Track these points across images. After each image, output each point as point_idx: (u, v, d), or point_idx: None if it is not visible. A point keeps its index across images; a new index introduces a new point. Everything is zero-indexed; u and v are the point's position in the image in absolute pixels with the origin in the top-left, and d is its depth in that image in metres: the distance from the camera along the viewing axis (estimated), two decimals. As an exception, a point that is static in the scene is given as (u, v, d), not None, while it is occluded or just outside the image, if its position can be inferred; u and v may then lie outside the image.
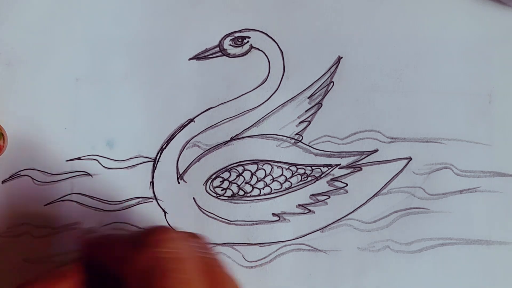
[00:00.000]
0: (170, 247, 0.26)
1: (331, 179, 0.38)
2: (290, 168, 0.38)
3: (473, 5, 0.38)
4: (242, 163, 0.37)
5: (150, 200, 0.37)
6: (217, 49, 0.38)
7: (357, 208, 0.38)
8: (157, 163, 0.37)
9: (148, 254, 0.25)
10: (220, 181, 0.37)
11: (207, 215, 0.37)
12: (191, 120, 0.37)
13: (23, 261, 0.36)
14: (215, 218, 0.37)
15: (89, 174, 0.37)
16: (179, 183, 0.37)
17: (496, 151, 0.38)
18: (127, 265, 0.26)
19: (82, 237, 0.31)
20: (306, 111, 0.38)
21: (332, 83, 0.38)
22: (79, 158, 0.37)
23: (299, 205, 0.38)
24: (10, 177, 0.37)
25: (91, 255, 0.29)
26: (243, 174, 0.37)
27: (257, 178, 0.37)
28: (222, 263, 0.29)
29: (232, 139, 0.38)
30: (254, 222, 0.38)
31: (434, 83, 0.38)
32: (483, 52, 0.38)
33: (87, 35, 0.37)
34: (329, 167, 0.38)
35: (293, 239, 0.38)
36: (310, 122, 0.38)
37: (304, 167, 0.38)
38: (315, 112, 0.38)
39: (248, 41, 0.38)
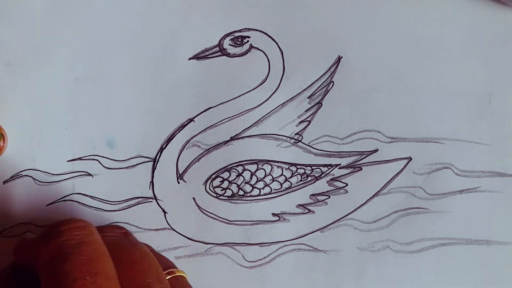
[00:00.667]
0: (68, 235, 0.27)
1: (331, 179, 0.38)
2: (290, 168, 0.38)
3: (473, 5, 0.38)
4: (242, 163, 0.37)
5: (150, 200, 0.37)
6: (217, 48, 0.37)
7: (357, 208, 0.38)
8: (157, 163, 0.37)
9: (51, 245, 0.27)
10: (220, 181, 0.37)
11: (207, 215, 0.37)
12: (191, 120, 0.37)
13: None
14: (215, 218, 0.37)
15: (89, 174, 0.37)
16: (179, 183, 0.37)
17: (496, 151, 0.38)
18: (38, 260, 0.27)
19: (13, 247, 0.32)
20: (306, 111, 0.38)
21: (332, 83, 0.38)
22: (79, 158, 0.37)
23: (299, 205, 0.38)
24: (11, 177, 0.37)
25: (18, 260, 0.31)
26: (243, 174, 0.37)
27: (257, 178, 0.37)
28: (140, 246, 0.31)
29: (232, 139, 0.38)
30: (254, 222, 0.38)
31: (434, 83, 0.38)
32: (483, 52, 0.38)
33: (87, 35, 0.37)
34: (329, 167, 0.38)
35: (293, 239, 0.38)
36: (310, 122, 0.38)
37: (304, 167, 0.38)
38: (315, 112, 0.38)
39: (248, 41, 0.38)
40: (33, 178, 0.37)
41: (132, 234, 0.33)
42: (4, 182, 0.37)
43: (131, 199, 0.37)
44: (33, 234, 0.36)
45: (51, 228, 0.28)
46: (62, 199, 0.37)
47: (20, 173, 0.37)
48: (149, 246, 0.34)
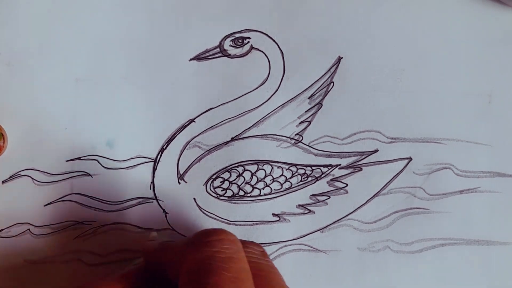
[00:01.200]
0: (219, 247, 0.27)
1: (331, 179, 0.38)
2: (290, 168, 0.37)
3: (473, 5, 0.38)
4: (242, 163, 0.37)
5: (151, 200, 0.37)
6: (218, 49, 0.37)
7: (357, 208, 0.38)
8: (157, 164, 0.37)
9: (199, 254, 0.26)
10: (221, 182, 0.37)
11: (207, 215, 0.37)
12: (192, 120, 0.37)
13: (23, 261, 0.36)
14: (215, 219, 0.37)
15: (89, 174, 0.37)
16: (179, 183, 0.37)
17: (496, 152, 0.38)
18: (181, 265, 0.27)
19: (143, 244, 0.32)
20: (306, 111, 0.38)
21: (332, 84, 0.38)
22: (79, 158, 0.37)
23: (299, 205, 0.38)
24: (10, 177, 0.36)
25: (151, 261, 0.31)
26: (243, 175, 0.37)
27: (257, 179, 0.37)
28: (276, 270, 0.30)
29: (232, 139, 0.37)
30: (254, 222, 0.37)
31: (434, 83, 0.38)
32: (483, 52, 0.38)
33: (87, 35, 0.37)
34: (329, 167, 0.38)
35: (293, 239, 0.38)
36: (310, 122, 0.38)
37: (304, 168, 0.38)
38: (315, 112, 0.38)
39: (248, 42, 0.37)
40: (32, 178, 0.36)
41: (268, 255, 0.32)
42: (3, 182, 0.36)
43: (132, 199, 0.37)
44: (158, 234, 0.36)
45: (202, 236, 0.28)
46: (60, 199, 0.37)
47: (19, 173, 0.36)
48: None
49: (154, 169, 0.37)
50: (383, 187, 0.38)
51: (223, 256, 0.26)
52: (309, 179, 0.38)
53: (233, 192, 0.37)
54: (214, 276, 0.25)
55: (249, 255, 0.29)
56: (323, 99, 0.38)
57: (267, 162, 0.37)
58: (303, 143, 0.38)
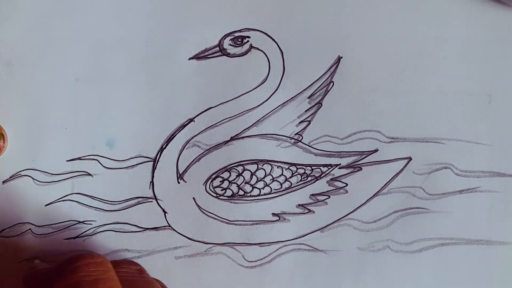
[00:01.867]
0: (86, 271, 0.27)
1: (331, 179, 0.37)
2: (290, 168, 0.37)
3: (473, 5, 0.38)
4: (242, 163, 0.37)
5: (150, 200, 0.37)
6: (217, 48, 0.37)
7: (357, 208, 0.38)
8: (157, 163, 0.37)
9: (67, 281, 0.27)
10: (220, 181, 0.37)
11: (207, 215, 0.37)
12: (191, 120, 0.37)
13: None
14: (215, 218, 0.37)
15: (89, 174, 0.37)
16: (179, 183, 0.37)
17: (496, 151, 0.38)
18: None
19: (24, 273, 0.32)
20: (306, 111, 0.38)
21: (332, 83, 0.38)
22: (79, 158, 0.37)
23: (299, 205, 0.37)
24: (10, 177, 0.36)
25: None
26: (243, 174, 0.37)
27: (257, 178, 0.37)
28: (154, 284, 0.31)
29: (232, 139, 0.37)
30: (254, 222, 0.37)
31: (434, 83, 0.38)
32: (483, 52, 0.38)
33: (87, 35, 0.37)
34: (329, 167, 0.37)
35: (293, 239, 0.37)
36: (310, 122, 0.38)
37: (304, 167, 0.37)
38: (315, 112, 0.38)
39: (248, 41, 0.37)
40: (32, 178, 0.36)
41: (146, 271, 0.33)
42: (3, 182, 0.36)
43: (131, 199, 0.37)
44: (41, 261, 0.36)
45: (67, 262, 0.28)
46: (61, 199, 0.36)
47: (19, 173, 0.36)
48: (161, 282, 0.33)
49: (154, 168, 0.37)
50: (383, 187, 0.38)
51: (90, 279, 0.27)
52: (309, 178, 0.37)
53: (232, 192, 0.37)
54: None
55: (123, 274, 0.30)
56: (323, 98, 0.38)
57: (267, 161, 0.37)
58: (303, 143, 0.37)
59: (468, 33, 0.38)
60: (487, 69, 0.38)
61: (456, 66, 0.38)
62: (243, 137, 0.37)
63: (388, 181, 0.38)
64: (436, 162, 0.38)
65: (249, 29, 0.37)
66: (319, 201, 0.37)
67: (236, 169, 0.37)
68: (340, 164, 0.38)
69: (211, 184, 0.37)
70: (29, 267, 0.33)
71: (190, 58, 0.37)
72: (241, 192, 0.37)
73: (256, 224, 0.37)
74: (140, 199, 0.37)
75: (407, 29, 0.38)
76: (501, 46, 0.38)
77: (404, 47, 0.38)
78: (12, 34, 0.37)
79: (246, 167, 0.37)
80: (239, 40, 0.37)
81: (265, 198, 0.37)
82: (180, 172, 0.37)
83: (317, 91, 0.37)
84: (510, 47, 0.38)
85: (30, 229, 0.36)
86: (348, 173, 0.38)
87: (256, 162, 0.37)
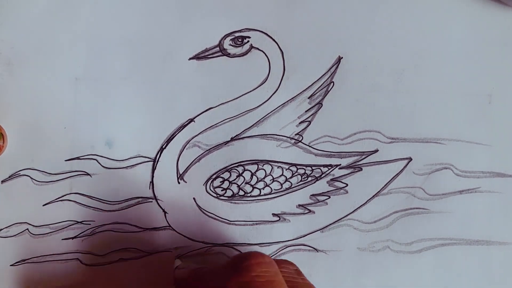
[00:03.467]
0: (258, 271, 0.27)
1: (331, 179, 0.37)
2: (290, 168, 0.36)
3: (473, 5, 0.37)
4: (242, 163, 0.36)
5: (150, 200, 0.36)
6: (217, 49, 0.36)
7: (357, 208, 0.37)
8: (157, 163, 0.36)
9: (239, 279, 0.26)
10: (220, 181, 0.36)
11: (207, 215, 0.36)
12: (191, 120, 0.36)
13: (21, 260, 0.35)
14: (215, 218, 0.36)
15: (88, 174, 0.36)
16: (179, 183, 0.36)
17: (496, 152, 0.37)
18: None
19: (174, 273, 0.32)
20: (306, 111, 0.37)
21: (332, 83, 0.37)
22: (78, 158, 0.36)
23: (299, 205, 0.37)
24: (9, 177, 0.36)
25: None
26: (243, 174, 0.36)
27: (257, 178, 0.36)
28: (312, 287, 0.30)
29: (232, 139, 0.36)
30: (254, 222, 0.36)
31: (434, 83, 0.37)
32: (483, 52, 0.37)
33: (87, 35, 0.36)
34: (329, 167, 0.37)
35: (293, 239, 0.37)
36: (310, 122, 0.37)
37: (304, 167, 0.36)
38: (315, 112, 0.37)
39: (248, 41, 0.36)
40: (31, 178, 0.36)
41: (302, 273, 0.32)
42: (2, 182, 0.36)
43: (131, 199, 0.36)
44: (182, 261, 0.35)
45: (239, 260, 0.28)
46: (59, 199, 0.36)
47: (18, 173, 0.36)
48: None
49: (154, 168, 0.36)
50: (383, 187, 0.37)
51: (263, 280, 0.26)
52: (309, 179, 0.37)
53: (233, 192, 0.36)
54: None
55: (285, 275, 0.29)
56: (323, 99, 0.37)
57: (267, 162, 0.36)
58: (303, 143, 0.37)
59: (468, 33, 0.37)
60: (487, 70, 0.37)
61: (456, 66, 0.37)
62: (243, 138, 0.36)
63: (388, 182, 0.37)
64: (436, 162, 0.37)
65: (250, 29, 0.37)
66: (319, 202, 0.37)
67: (236, 170, 0.36)
68: (340, 164, 0.37)
69: (211, 184, 0.36)
70: (178, 267, 0.32)
71: (190, 58, 0.36)
72: (241, 193, 0.36)
73: (257, 224, 0.36)
74: (140, 199, 0.36)
75: (407, 29, 0.37)
76: (501, 46, 0.37)
77: (404, 47, 0.37)
78: (12, 34, 0.36)
79: (247, 167, 0.36)
80: (240, 40, 0.36)
81: (265, 199, 0.36)
82: (181, 172, 0.36)
83: (317, 91, 0.37)
84: (510, 47, 0.37)
85: (27, 229, 0.35)
86: (348, 174, 0.37)
87: (256, 162, 0.36)
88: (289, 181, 0.36)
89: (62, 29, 0.36)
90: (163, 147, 0.36)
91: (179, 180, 0.36)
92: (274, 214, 0.36)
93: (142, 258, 0.36)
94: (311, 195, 0.37)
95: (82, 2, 0.36)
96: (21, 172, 0.36)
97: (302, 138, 0.37)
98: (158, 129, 0.36)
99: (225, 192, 0.36)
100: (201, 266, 0.32)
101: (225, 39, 0.36)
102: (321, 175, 0.37)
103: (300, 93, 0.37)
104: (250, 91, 0.37)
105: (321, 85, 0.37)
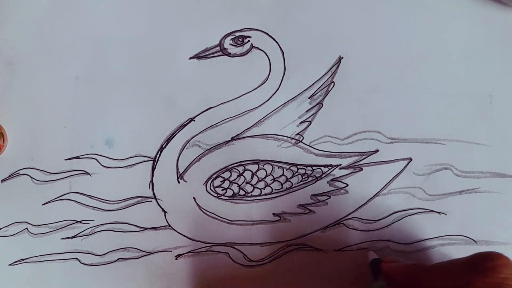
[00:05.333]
0: (506, 273, 0.26)
1: (332, 179, 0.36)
2: (291, 168, 0.36)
3: (473, 5, 0.37)
4: (242, 163, 0.35)
5: (150, 199, 0.35)
6: (218, 48, 0.36)
7: (357, 208, 0.36)
8: (156, 163, 0.35)
9: (487, 280, 0.26)
10: (221, 181, 0.35)
11: (207, 215, 0.35)
12: (191, 119, 0.35)
13: (20, 260, 0.35)
14: (215, 218, 0.35)
15: (88, 173, 0.35)
16: (179, 182, 0.35)
17: (496, 152, 0.37)
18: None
19: (387, 266, 0.31)
20: (306, 111, 0.36)
21: (333, 83, 0.36)
22: (78, 157, 0.35)
23: (300, 205, 0.36)
24: (9, 176, 0.35)
25: (400, 283, 0.30)
26: (244, 174, 0.35)
27: (258, 178, 0.35)
28: None
29: (232, 139, 0.36)
30: (254, 222, 0.35)
31: (435, 84, 0.36)
32: (484, 53, 0.37)
33: (87, 34, 0.35)
34: (330, 168, 0.36)
35: (293, 239, 0.36)
36: (310, 122, 0.36)
37: (304, 167, 0.36)
38: (316, 112, 0.36)
39: (248, 41, 0.36)
40: (30, 177, 0.35)
41: None
42: (2, 181, 0.35)
43: (130, 198, 0.35)
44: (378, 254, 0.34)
45: (483, 260, 0.27)
46: (58, 198, 0.35)
47: (18, 172, 0.35)
48: None
49: (153, 168, 0.35)
50: (383, 187, 0.36)
51: (510, 283, 0.25)
52: (310, 179, 0.36)
53: (233, 192, 0.35)
54: None
55: None
56: (323, 99, 0.36)
57: (268, 161, 0.36)
58: (304, 143, 0.36)
59: (469, 33, 0.37)
60: (488, 70, 0.37)
61: (456, 67, 0.37)
62: (244, 137, 0.36)
63: (389, 182, 0.36)
64: (436, 162, 0.36)
65: (250, 29, 0.36)
66: (319, 201, 0.36)
67: (237, 169, 0.35)
68: (340, 164, 0.36)
69: (211, 184, 0.35)
70: (389, 260, 0.32)
71: (190, 58, 0.36)
72: (242, 192, 0.35)
73: (257, 224, 0.36)
74: (140, 198, 0.35)
75: (408, 29, 0.36)
76: (502, 46, 0.37)
77: (405, 47, 0.36)
78: (13, 34, 0.35)
79: (247, 167, 0.35)
80: (240, 40, 0.36)
81: (266, 198, 0.36)
82: (180, 172, 0.35)
83: (318, 91, 0.36)
84: (511, 47, 0.37)
85: (26, 228, 0.35)
86: (348, 174, 0.36)
87: (257, 162, 0.36)
88: (290, 181, 0.36)
89: (63, 29, 0.35)
90: (163, 146, 0.35)
91: (179, 179, 0.35)
92: (274, 214, 0.36)
93: (141, 258, 0.35)
94: (311, 195, 0.36)
95: (83, 2, 0.36)
96: (21, 171, 0.35)
97: (303, 138, 0.36)
98: (158, 128, 0.35)
99: (226, 192, 0.35)
100: (413, 262, 0.31)
101: (225, 38, 0.36)
102: (321, 175, 0.36)
103: (301, 93, 0.36)
104: (251, 91, 0.36)
105: (322, 85, 0.36)
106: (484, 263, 0.26)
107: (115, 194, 0.35)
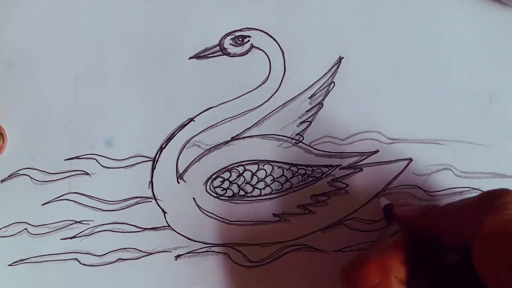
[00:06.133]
0: None
1: (332, 180, 0.36)
2: (291, 168, 0.35)
3: (473, 5, 0.36)
4: (242, 163, 0.35)
5: (149, 200, 0.35)
6: (218, 48, 0.35)
7: (357, 209, 0.36)
8: (156, 163, 0.35)
9: (496, 217, 0.24)
10: (221, 181, 0.35)
11: (207, 215, 0.35)
12: (191, 119, 0.35)
13: (20, 260, 0.35)
14: (215, 218, 0.35)
15: (87, 173, 0.35)
16: (178, 182, 0.35)
17: (497, 152, 0.36)
18: (470, 231, 0.24)
19: (400, 210, 0.31)
20: (307, 111, 0.36)
21: (333, 83, 0.36)
22: (77, 157, 0.35)
23: (300, 205, 0.35)
24: (9, 176, 0.35)
25: (415, 227, 0.29)
26: (243, 174, 0.35)
27: (258, 179, 0.35)
28: None
29: (232, 139, 0.35)
30: (254, 222, 0.35)
31: (435, 84, 0.36)
32: (484, 53, 0.36)
33: (87, 34, 0.35)
34: (330, 168, 0.36)
35: (293, 239, 0.35)
36: (311, 122, 0.36)
37: (304, 168, 0.35)
38: (316, 112, 0.36)
39: (248, 40, 0.35)
40: (30, 177, 0.35)
41: None
42: (1, 181, 0.35)
43: (130, 198, 0.35)
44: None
45: (492, 197, 0.25)
46: (58, 198, 0.35)
47: (18, 172, 0.35)
48: None
49: (153, 168, 0.35)
50: (384, 187, 0.36)
51: None
52: (310, 179, 0.35)
53: (233, 192, 0.35)
54: None
55: None
56: (323, 99, 0.36)
57: (268, 162, 0.35)
58: (304, 143, 0.36)
59: (469, 33, 0.36)
60: (488, 70, 0.36)
61: (456, 66, 0.36)
62: (243, 137, 0.35)
63: (389, 182, 0.36)
64: (437, 163, 0.36)
65: (250, 29, 0.36)
66: (319, 202, 0.35)
67: (236, 169, 0.35)
68: (340, 164, 0.36)
69: (211, 184, 0.35)
70: (402, 204, 0.31)
71: (190, 58, 0.35)
72: (241, 193, 0.35)
73: (257, 224, 0.35)
74: (139, 199, 0.35)
75: (408, 29, 0.36)
76: (502, 46, 0.36)
77: (405, 47, 0.36)
78: (13, 33, 0.35)
79: (247, 167, 0.35)
80: (240, 39, 0.35)
81: (266, 199, 0.35)
82: (180, 172, 0.35)
83: (318, 91, 0.36)
84: (510, 47, 0.36)
85: (26, 228, 0.34)
86: (348, 174, 0.36)
87: (257, 162, 0.35)
88: (290, 181, 0.35)
89: (63, 28, 0.35)
90: (163, 146, 0.35)
91: (178, 179, 0.35)
92: (274, 214, 0.35)
93: (141, 258, 0.35)
94: (311, 196, 0.35)
95: (83, 2, 0.35)
96: (21, 172, 0.35)
97: (303, 138, 0.36)
98: (157, 128, 0.35)
99: (225, 192, 0.35)
100: (428, 204, 0.30)
101: (225, 38, 0.35)
102: (321, 176, 0.36)
103: (301, 93, 0.36)
104: (251, 91, 0.35)
105: (322, 85, 0.36)
106: (493, 201, 0.25)
107: (114, 194, 0.35)
